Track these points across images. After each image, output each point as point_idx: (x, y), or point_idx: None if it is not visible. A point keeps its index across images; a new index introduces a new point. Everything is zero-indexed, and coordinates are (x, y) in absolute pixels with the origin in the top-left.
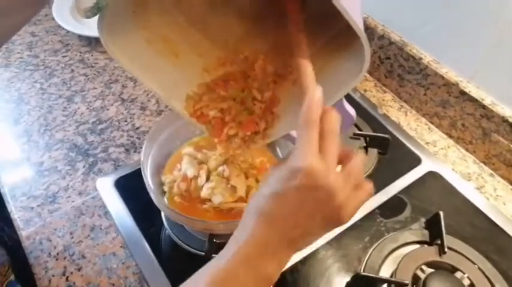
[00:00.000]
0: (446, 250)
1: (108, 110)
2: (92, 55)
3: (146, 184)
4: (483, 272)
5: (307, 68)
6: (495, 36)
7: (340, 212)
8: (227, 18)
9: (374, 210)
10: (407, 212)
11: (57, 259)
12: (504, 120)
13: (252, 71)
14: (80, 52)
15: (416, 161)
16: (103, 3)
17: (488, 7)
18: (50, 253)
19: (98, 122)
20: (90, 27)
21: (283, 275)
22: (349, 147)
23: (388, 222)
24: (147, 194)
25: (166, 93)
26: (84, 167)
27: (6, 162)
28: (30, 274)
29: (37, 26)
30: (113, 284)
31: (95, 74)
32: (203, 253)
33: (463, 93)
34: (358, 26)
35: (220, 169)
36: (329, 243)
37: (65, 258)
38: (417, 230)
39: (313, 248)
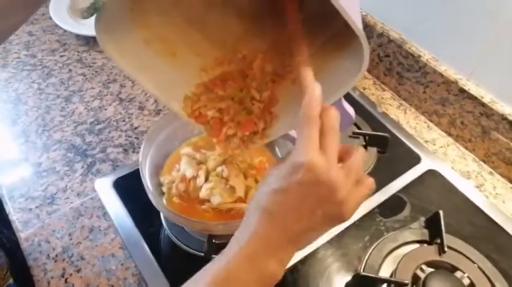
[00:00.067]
0: (446, 249)
1: (106, 110)
2: (89, 55)
3: (145, 185)
4: (483, 272)
5: (306, 67)
6: (494, 33)
7: (342, 208)
8: (226, 17)
9: (373, 209)
10: (406, 211)
11: (56, 261)
12: (503, 118)
13: (250, 71)
14: (78, 52)
15: (415, 160)
16: (100, 3)
17: (487, 4)
18: (48, 255)
19: (96, 122)
20: (88, 27)
21: (283, 274)
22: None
23: (387, 221)
24: (146, 194)
25: (164, 94)
26: (82, 167)
27: (4, 163)
28: (29, 276)
29: (34, 25)
30: (112, 286)
31: (92, 74)
32: (202, 254)
33: (462, 91)
34: (357, 25)
35: (219, 169)
36: (329, 242)
37: (63, 260)
38: (417, 229)
39: (313, 248)
